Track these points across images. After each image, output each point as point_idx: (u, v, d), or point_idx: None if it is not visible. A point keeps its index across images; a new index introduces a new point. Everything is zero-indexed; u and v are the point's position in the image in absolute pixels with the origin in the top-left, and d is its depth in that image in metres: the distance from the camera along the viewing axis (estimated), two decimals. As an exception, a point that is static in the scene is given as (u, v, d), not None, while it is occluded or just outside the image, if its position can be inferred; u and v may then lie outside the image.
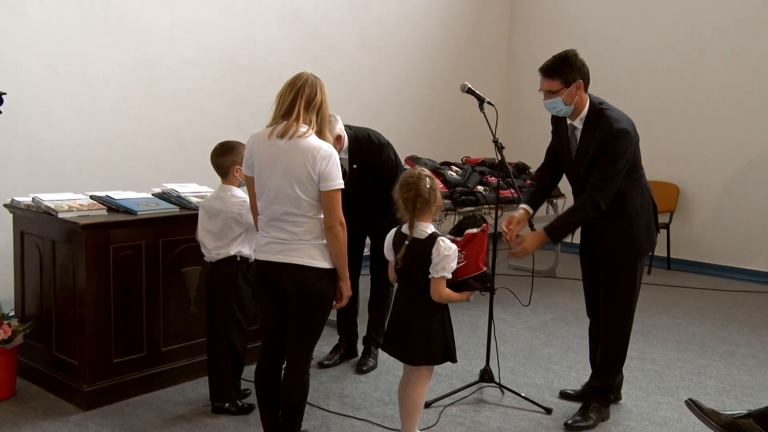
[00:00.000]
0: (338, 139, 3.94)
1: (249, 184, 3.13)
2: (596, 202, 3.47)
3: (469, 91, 3.94)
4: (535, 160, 7.30)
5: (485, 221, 3.27)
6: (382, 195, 4.10)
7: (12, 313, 3.98)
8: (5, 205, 4.04)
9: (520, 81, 8.66)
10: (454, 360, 3.22)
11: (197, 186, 4.30)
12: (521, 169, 6.73)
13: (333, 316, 5.14)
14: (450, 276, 3.07)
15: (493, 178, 6.04)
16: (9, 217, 4.05)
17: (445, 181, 5.71)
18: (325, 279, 3.01)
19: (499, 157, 3.86)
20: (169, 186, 4.18)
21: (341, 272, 3.06)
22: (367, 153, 4.13)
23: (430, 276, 3.05)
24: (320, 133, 3.00)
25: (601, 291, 3.72)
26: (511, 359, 4.60)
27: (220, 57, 5.67)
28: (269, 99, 3.06)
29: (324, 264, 3.00)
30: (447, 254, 3.03)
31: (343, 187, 2.98)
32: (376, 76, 6.96)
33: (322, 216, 2.99)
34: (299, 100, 2.96)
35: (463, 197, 5.69)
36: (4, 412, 3.62)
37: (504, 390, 4.01)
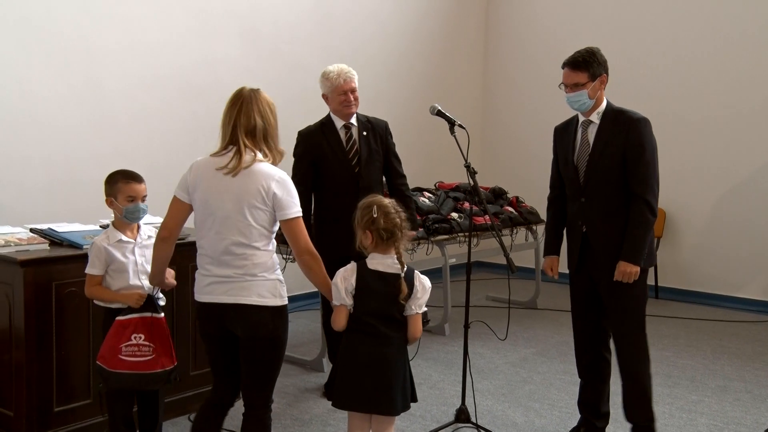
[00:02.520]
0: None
1: (177, 209, 3.03)
2: (649, 203, 3.56)
3: (439, 114, 4.01)
4: (513, 185, 7.48)
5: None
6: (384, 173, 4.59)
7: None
8: (-66, 240, 3.97)
9: (496, 101, 8.80)
10: (416, 398, 3.17)
11: (149, 216, 4.26)
12: (498, 194, 6.82)
13: (295, 353, 5.15)
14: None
15: (468, 204, 6.10)
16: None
17: (418, 209, 5.75)
18: (277, 318, 2.96)
19: (472, 183, 3.91)
20: (118, 217, 4.14)
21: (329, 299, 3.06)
22: (374, 124, 4.54)
23: (411, 313, 3.03)
24: (273, 161, 2.99)
25: (609, 315, 3.68)
26: (489, 397, 4.61)
27: (173, 77, 5.69)
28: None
29: (275, 301, 2.95)
30: (429, 286, 3.06)
31: (301, 215, 2.94)
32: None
33: (272, 248, 2.98)
34: (239, 128, 2.92)
35: (437, 225, 5.74)
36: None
37: (481, 431, 4.02)
